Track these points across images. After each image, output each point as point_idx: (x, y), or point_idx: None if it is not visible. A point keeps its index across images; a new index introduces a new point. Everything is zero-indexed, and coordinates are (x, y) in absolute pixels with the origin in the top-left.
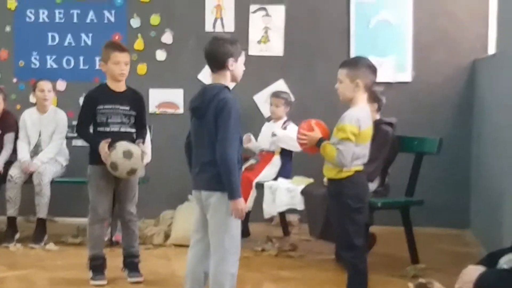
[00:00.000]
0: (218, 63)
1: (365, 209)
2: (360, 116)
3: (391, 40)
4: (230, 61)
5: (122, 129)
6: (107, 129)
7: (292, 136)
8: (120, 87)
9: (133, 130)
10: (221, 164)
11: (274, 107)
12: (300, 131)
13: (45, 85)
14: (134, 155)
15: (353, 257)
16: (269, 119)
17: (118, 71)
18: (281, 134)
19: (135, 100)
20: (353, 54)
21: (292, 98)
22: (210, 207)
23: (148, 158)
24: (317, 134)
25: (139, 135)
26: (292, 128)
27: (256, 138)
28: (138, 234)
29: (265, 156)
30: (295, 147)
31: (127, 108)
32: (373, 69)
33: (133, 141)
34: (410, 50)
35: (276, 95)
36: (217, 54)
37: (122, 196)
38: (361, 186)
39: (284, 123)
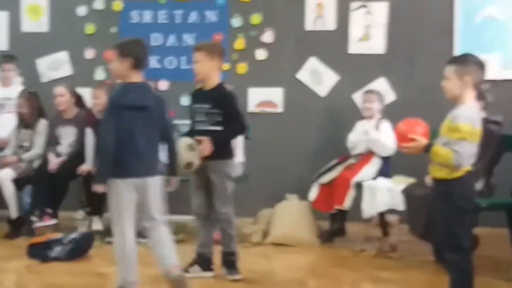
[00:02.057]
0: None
1: (473, 210)
2: (472, 114)
3: (497, 36)
4: None
5: (205, 127)
6: (195, 127)
7: (384, 143)
8: (207, 85)
9: (217, 128)
10: None
11: (367, 104)
12: (401, 144)
13: None
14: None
15: (459, 259)
16: (361, 118)
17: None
18: (374, 137)
19: (218, 98)
20: (457, 50)
21: (389, 97)
22: None
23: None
24: (421, 141)
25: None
26: (386, 127)
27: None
28: (235, 233)
29: (365, 156)
30: (386, 153)
31: (208, 106)
32: (481, 66)
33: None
34: None
35: (368, 91)
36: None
37: (212, 195)
38: (470, 187)
39: (378, 121)
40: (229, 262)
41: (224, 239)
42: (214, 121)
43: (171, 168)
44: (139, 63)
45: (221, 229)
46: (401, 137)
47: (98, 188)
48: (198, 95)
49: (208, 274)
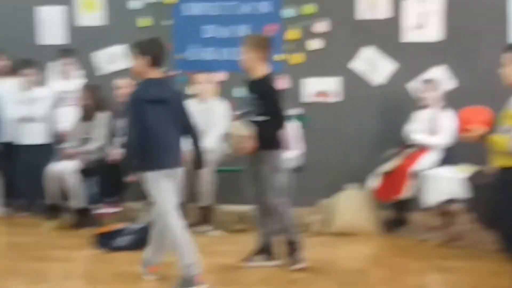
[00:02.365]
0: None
1: None
2: None
3: None
4: None
5: (251, 117)
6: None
7: (435, 143)
8: (253, 76)
9: (260, 118)
10: None
11: (425, 93)
12: (460, 134)
13: (202, 77)
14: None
15: None
16: (420, 107)
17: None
18: (426, 141)
19: (260, 89)
20: (511, 37)
21: (449, 85)
22: None
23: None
24: (477, 130)
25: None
26: (447, 116)
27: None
28: (290, 223)
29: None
30: (443, 146)
31: (253, 96)
32: None
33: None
34: None
35: (426, 81)
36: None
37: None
38: None
39: (438, 110)
40: (290, 251)
41: (282, 229)
42: (258, 111)
43: (196, 159)
44: (157, 61)
45: (278, 220)
46: (460, 126)
47: (131, 178)
48: (249, 86)
49: (271, 263)
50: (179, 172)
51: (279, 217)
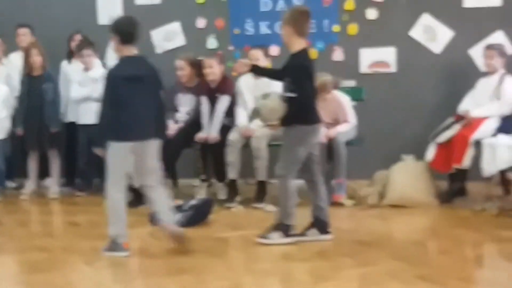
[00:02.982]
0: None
1: None
2: None
3: None
4: None
5: (283, 92)
6: None
7: (489, 113)
8: (291, 51)
9: (289, 95)
10: None
11: (489, 60)
12: None
13: (255, 53)
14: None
15: None
16: (485, 74)
17: None
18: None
19: (289, 63)
20: None
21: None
22: None
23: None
24: None
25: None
26: (509, 82)
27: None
28: (287, 201)
29: None
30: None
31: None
32: None
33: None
34: None
35: (489, 46)
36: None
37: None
38: None
39: (501, 77)
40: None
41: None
42: (288, 87)
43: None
44: (127, 38)
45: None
46: None
47: (99, 152)
48: (286, 61)
49: (326, 237)
50: (150, 144)
51: (281, 191)
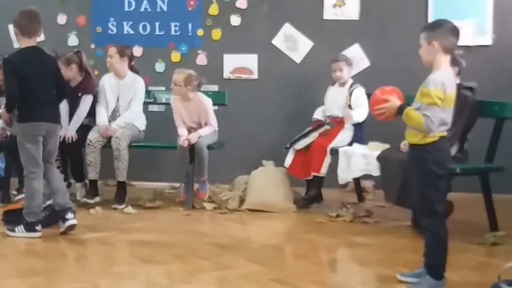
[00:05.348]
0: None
1: (447, 175)
2: (445, 80)
3: (471, 3)
4: None
5: None
6: None
7: (356, 119)
8: None
9: None
10: None
11: (338, 72)
12: (374, 107)
13: (113, 51)
14: None
15: (433, 224)
16: (333, 83)
17: None
18: (350, 115)
19: None
20: (431, 17)
21: (367, 63)
22: None
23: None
24: (395, 101)
25: None
26: (360, 92)
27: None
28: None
29: (338, 122)
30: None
31: None
32: (453, 31)
33: None
34: (491, 13)
35: (334, 59)
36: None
37: None
38: (445, 152)
39: (351, 86)
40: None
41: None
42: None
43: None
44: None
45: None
46: (375, 101)
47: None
48: None
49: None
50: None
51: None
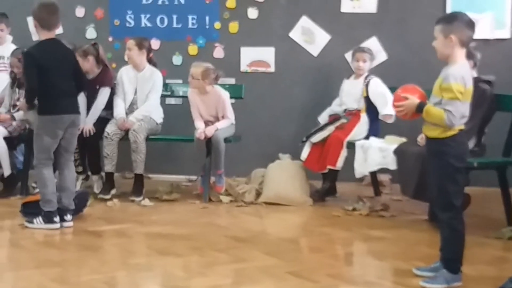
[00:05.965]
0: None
1: (465, 169)
2: (464, 73)
3: None
4: None
5: None
6: None
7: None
8: None
9: None
10: None
11: (361, 63)
12: (394, 104)
13: (131, 43)
14: None
15: (451, 217)
16: (348, 77)
17: None
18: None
19: None
20: (449, 10)
21: (384, 56)
22: None
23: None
24: (414, 100)
25: None
26: (376, 82)
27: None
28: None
29: (354, 115)
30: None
31: None
32: (469, 24)
33: None
34: (510, 6)
35: (361, 50)
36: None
37: None
38: (463, 146)
39: (366, 78)
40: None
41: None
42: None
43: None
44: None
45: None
46: (396, 99)
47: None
48: None
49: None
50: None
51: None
